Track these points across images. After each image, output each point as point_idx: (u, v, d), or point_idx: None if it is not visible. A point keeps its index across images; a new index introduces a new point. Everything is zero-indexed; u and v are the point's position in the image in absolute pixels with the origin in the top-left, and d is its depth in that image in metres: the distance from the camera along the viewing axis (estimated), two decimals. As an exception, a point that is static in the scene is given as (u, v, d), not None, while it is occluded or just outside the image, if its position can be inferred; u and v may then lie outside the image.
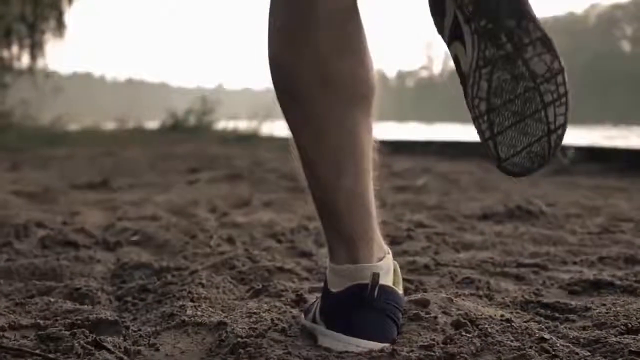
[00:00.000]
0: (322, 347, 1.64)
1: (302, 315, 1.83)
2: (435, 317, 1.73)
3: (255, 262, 2.47)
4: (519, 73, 1.60)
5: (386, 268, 1.71)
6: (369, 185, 1.75)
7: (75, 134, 17.21)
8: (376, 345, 1.61)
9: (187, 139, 14.93)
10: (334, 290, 1.70)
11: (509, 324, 1.73)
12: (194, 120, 18.28)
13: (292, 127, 1.76)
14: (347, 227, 1.71)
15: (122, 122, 19.93)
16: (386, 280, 1.69)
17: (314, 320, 1.75)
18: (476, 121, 1.64)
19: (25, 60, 21.45)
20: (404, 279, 1.89)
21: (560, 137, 1.63)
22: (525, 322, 1.82)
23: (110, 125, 20.67)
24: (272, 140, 13.54)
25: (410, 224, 3.43)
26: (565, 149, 8.57)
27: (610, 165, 7.80)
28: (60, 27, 22.09)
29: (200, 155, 10.35)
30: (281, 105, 1.76)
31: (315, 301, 1.83)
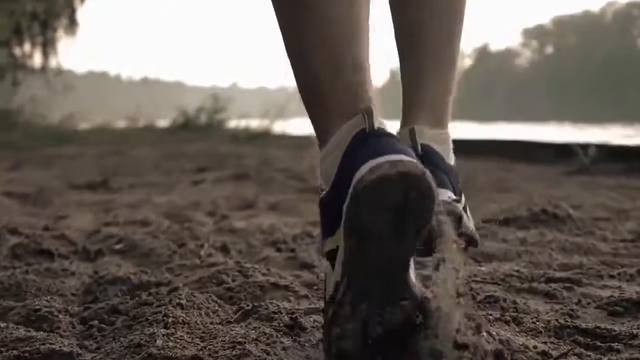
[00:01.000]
0: None
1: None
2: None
3: (247, 277, 2.15)
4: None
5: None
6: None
7: (85, 132, 17.03)
8: (397, 156, 1.27)
9: (198, 137, 14.67)
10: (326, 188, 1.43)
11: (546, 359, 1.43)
12: (205, 119, 18.03)
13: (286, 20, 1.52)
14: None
15: (133, 120, 19.75)
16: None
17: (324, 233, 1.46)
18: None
19: (37, 58, 21.32)
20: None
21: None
22: (563, 354, 1.51)
23: (121, 124, 20.52)
24: (284, 138, 13.28)
25: None
26: (586, 147, 8.30)
27: (632, 165, 7.46)
28: (72, 24, 21.95)
29: (210, 154, 10.07)
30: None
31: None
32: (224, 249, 2.68)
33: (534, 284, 2.14)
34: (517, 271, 2.28)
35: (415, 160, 1.27)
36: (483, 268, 2.34)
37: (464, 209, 1.80)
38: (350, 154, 1.35)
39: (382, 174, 1.25)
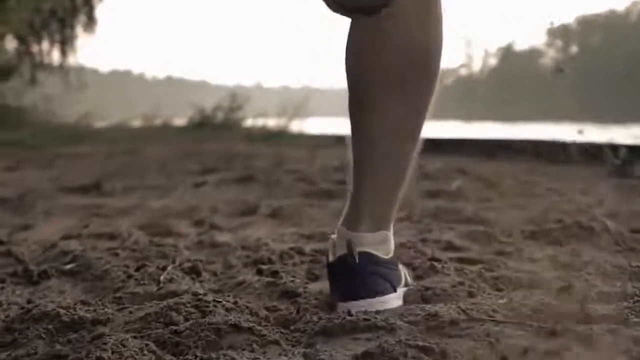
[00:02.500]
0: None
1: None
2: None
3: (204, 314, 1.68)
4: None
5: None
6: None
7: (101, 131, 16.72)
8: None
9: (213, 136, 14.27)
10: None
11: None
12: (222, 118, 17.62)
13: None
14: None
15: (150, 119, 19.43)
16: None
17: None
18: None
19: (52, 56, 21.09)
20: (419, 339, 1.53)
21: None
22: None
23: (138, 123, 20.21)
24: (301, 137, 12.83)
25: (437, 246, 2.66)
26: (616, 148, 7.86)
27: (668, 166, 6.98)
28: (90, 22, 21.71)
29: (221, 154, 9.65)
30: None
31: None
32: (193, 271, 2.22)
33: (570, 325, 1.68)
34: (548, 305, 1.80)
35: None
36: (505, 300, 1.86)
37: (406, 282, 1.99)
38: None
39: None
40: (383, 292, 1.83)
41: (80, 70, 21.91)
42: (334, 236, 1.89)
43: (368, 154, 1.85)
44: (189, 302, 1.71)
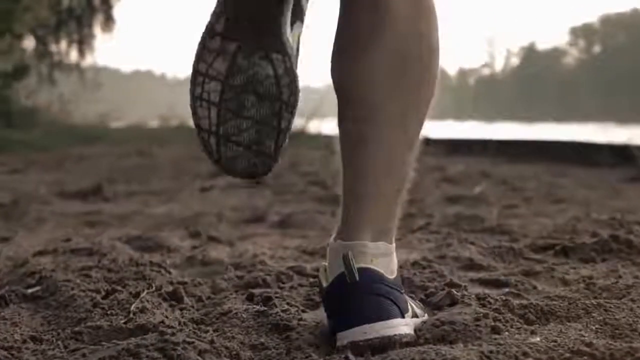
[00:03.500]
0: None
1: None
2: None
3: (169, 360, 1.39)
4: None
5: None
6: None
7: (116, 131, 16.53)
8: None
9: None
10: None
11: None
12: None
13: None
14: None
15: (166, 119, 19.22)
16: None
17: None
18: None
19: (73, 56, 21.00)
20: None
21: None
22: None
23: (154, 123, 20.02)
24: (318, 138, 12.50)
25: (457, 265, 2.34)
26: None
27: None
28: (108, 21, 21.61)
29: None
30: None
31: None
32: (174, 297, 1.91)
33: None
34: (590, 345, 1.48)
35: None
36: (537, 339, 1.54)
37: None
38: None
39: None
40: (389, 316, 1.55)
41: (98, 69, 21.75)
42: (324, 263, 1.68)
43: (366, 155, 1.66)
44: (152, 344, 1.40)
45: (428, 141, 11.04)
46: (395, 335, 1.52)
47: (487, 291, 2.01)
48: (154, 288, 1.91)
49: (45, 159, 8.97)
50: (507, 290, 2.01)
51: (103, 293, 1.89)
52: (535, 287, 2.04)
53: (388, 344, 1.51)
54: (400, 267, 1.97)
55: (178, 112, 20.45)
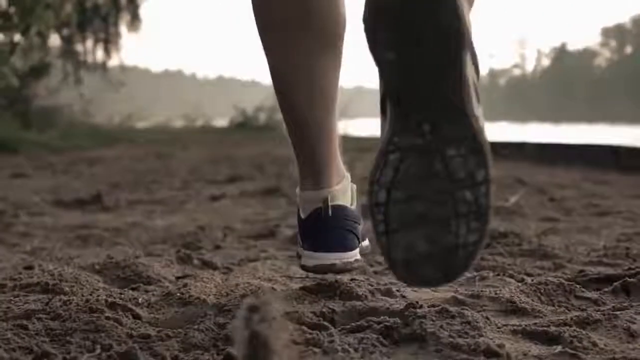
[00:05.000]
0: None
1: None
2: None
3: None
4: (434, 171, 1.45)
5: (342, 190, 1.99)
6: (335, 120, 1.96)
7: (140, 132, 16.20)
8: (341, 256, 1.92)
9: (253, 138, 13.64)
10: (303, 216, 2.00)
11: None
12: (264, 119, 16.99)
13: (271, 64, 1.91)
14: (316, 158, 1.95)
15: (191, 120, 18.98)
16: (343, 200, 1.98)
17: (300, 245, 2.03)
18: (372, 209, 1.51)
19: (99, 55, 20.85)
20: None
21: (471, 255, 1.46)
22: None
23: (179, 123, 19.79)
24: (344, 140, 12.02)
25: (494, 308, 1.87)
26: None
27: None
28: (134, 20, 21.44)
29: (255, 159, 8.97)
30: (263, 44, 1.89)
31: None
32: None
33: None
34: None
35: None
36: None
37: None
38: None
39: None
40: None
41: (125, 69, 21.56)
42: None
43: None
44: None
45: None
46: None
47: (533, 348, 1.57)
48: (99, 350, 1.46)
49: (56, 162, 8.60)
50: (559, 348, 1.55)
51: (30, 358, 1.44)
52: (595, 344, 1.58)
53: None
54: (424, 316, 1.54)
55: (203, 111, 20.21)
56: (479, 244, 1.46)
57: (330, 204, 1.93)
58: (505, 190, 5.34)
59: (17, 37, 14.88)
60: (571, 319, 1.77)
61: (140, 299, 1.95)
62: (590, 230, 3.60)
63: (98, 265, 2.36)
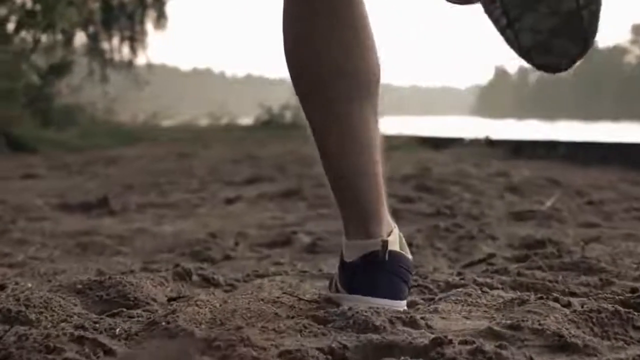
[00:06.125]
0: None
1: (327, 289, 2.03)
2: None
3: None
4: None
5: (393, 240, 1.85)
6: (379, 170, 1.85)
7: (164, 130, 15.98)
8: (391, 303, 1.80)
9: (279, 137, 13.36)
10: (349, 260, 1.86)
11: None
12: (290, 117, 16.69)
13: (308, 114, 1.87)
14: (361, 207, 1.84)
15: (216, 118, 18.74)
16: (394, 247, 1.84)
17: (337, 290, 1.92)
18: (488, 8, 1.53)
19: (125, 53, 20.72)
20: None
21: (595, 14, 1.50)
22: None
23: (204, 122, 19.56)
24: (396, 138, 11.63)
25: (539, 343, 1.54)
26: None
27: None
28: (161, 18, 21.27)
29: (278, 159, 8.67)
30: (297, 92, 1.87)
31: (334, 274, 1.97)
32: None
33: None
34: None
35: None
36: None
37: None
38: None
39: None
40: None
41: (151, 67, 21.43)
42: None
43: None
44: None
45: (490, 142, 10.29)
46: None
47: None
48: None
49: (73, 162, 8.34)
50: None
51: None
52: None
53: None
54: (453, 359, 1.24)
55: (229, 109, 19.98)
56: (599, 2, 1.51)
57: (386, 248, 1.82)
58: (540, 192, 5.02)
59: (40, 35, 14.71)
60: (630, 355, 1.45)
61: (118, 329, 1.64)
62: (636, 238, 3.30)
63: (81, 284, 2.05)
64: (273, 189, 5.32)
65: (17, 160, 8.48)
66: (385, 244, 1.81)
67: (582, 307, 1.76)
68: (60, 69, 14.22)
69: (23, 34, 14.54)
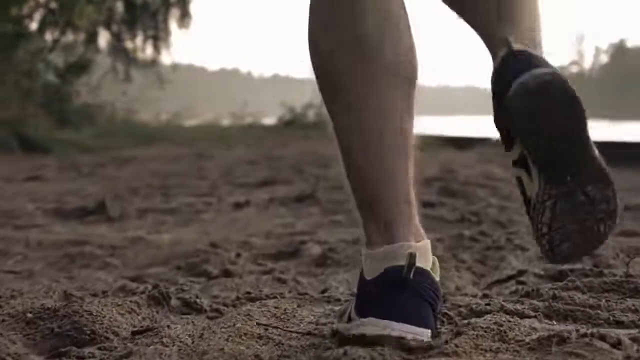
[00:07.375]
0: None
1: (335, 321, 1.77)
2: None
3: None
4: (579, 202, 1.63)
5: (423, 250, 1.64)
6: (408, 170, 1.68)
7: (185, 130, 15.74)
8: (414, 330, 1.54)
9: (301, 137, 13.10)
10: (369, 277, 1.63)
11: None
12: (313, 116, 16.41)
13: (331, 111, 1.70)
14: (383, 210, 1.64)
15: (238, 118, 18.49)
16: (423, 264, 1.62)
17: (349, 320, 1.68)
18: (538, 239, 1.63)
19: (149, 52, 20.55)
20: None
21: (608, 230, 1.67)
22: None
23: (227, 122, 19.36)
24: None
25: None
26: None
27: None
28: (184, 17, 21.10)
29: (296, 159, 8.36)
30: (321, 89, 1.72)
31: (349, 302, 1.78)
32: None
33: None
34: None
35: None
36: None
37: None
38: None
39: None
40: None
41: (176, 66, 21.27)
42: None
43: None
44: None
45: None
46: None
47: None
48: None
49: (85, 163, 8.05)
50: None
51: None
52: None
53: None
54: None
55: (255, 109, 19.74)
56: (613, 227, 1.65)
57: (414, 263, 1.58)
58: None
59: (59, 34, 14.51)
60: None
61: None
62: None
63: (32, 313, 1.72)
64: (286, 192, 5.02)
65: (27, 162, 8.23)
66: (412, 257, 1.57)
67: (636, 349, 1.41)
68: (79, 68, 13.98)
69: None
